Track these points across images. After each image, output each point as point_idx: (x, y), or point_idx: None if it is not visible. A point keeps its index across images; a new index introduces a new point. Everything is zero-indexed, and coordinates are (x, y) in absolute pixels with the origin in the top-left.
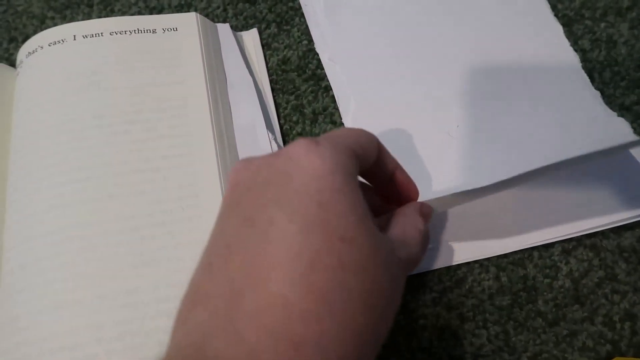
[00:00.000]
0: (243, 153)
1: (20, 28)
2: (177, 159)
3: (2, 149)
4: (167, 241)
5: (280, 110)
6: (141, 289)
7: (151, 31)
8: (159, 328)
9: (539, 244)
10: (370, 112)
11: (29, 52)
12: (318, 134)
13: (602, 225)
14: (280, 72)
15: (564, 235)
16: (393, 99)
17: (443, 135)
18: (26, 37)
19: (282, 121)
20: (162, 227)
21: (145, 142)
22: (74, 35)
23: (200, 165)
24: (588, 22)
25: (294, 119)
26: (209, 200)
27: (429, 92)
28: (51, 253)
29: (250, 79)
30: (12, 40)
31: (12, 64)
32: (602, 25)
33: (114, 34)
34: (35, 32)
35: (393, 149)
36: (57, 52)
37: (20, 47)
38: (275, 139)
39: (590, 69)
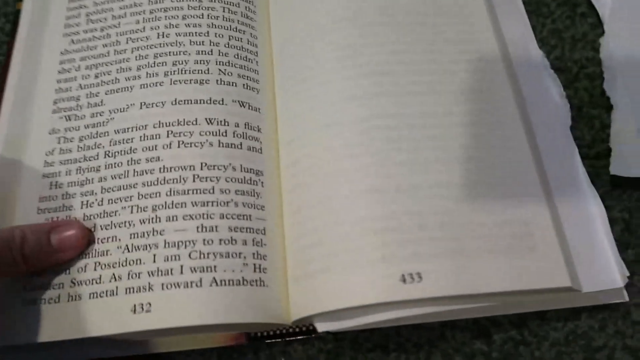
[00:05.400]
0: (517, 61)
1: None
2: (464, 63)
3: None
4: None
5: (536, 32)
6: (453, 182)
7: None
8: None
9: None
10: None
11: None
12: (579, 60)
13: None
14: None
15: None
16: None
17: None
18: None
19: (539, 44)
20: (462, 127)
21: (433, 44)
22: None
23: (489, 70)
24: None
25: (552, 42)
26: (499, 97)
27: None
28: (356, 141)
29: None
30: None
31: None
32: None
33: None
34: None
35: None
36: None
37: None
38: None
39: None
